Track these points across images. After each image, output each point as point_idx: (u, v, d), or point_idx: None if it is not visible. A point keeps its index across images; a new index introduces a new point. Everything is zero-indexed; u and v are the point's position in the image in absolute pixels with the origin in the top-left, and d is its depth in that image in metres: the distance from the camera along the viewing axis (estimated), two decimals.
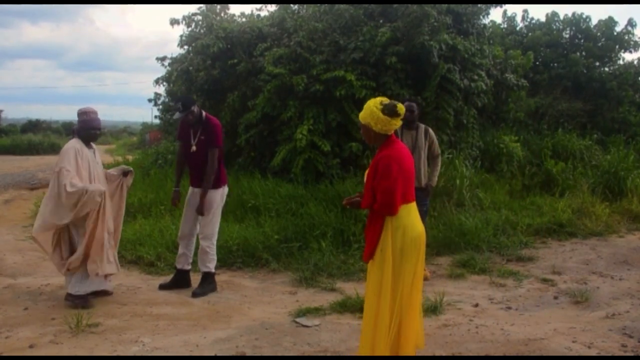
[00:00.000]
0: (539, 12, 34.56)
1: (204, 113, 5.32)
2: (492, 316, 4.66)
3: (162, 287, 5.49)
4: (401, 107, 3.30)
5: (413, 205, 3.44)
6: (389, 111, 3.26)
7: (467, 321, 4.51)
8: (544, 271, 6.06)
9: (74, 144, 4.96)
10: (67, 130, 35.57)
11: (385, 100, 3.34)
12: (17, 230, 8.35)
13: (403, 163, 3.32)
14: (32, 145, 29.70)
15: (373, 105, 3.30)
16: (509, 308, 4.89)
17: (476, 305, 4.94)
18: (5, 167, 19.13)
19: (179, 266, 5.50)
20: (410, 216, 3.38)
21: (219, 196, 5.31)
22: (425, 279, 5.72)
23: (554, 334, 4.20)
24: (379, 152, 3.35)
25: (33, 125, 50.20)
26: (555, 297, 5.17)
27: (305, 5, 10.71)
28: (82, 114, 5.05)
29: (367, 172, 3.44)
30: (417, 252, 3.35)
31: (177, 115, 5.26)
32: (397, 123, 3.32)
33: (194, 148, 5.26)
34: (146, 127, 35.32)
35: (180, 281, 5.47)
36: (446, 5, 9.49)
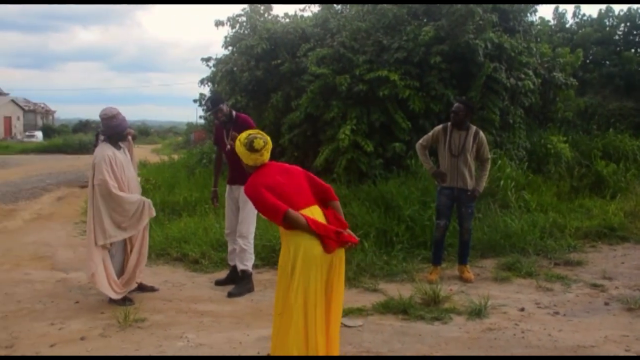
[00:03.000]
0: (591, 9, 33.34)
1: (233, 112, 5.50)
2: (539, 321, 4.54)
3: (218, 283, 5.60)
4: (258, 143, 3.34)
5: (306, 213, 3.23)
6: (247, 146, 3.35)
7: (513, 325, 4.41)
8: (594, 276, 5.85)
9: (106, 151, 4.81)
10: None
11: (253, 133, 3.41)
12: (69, 226, 8.66)
13: (267, 181, 3.28)
14: (82, 144, 30.76)
15: (239, 140, 3.41)
16: (557, 313, 4.75)
17: (522, 309, 4.82)
18: (58, 165, 19.89)
19: (231, 263, 5.59)
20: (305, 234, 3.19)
21: None
22: (469, 281, 5.66)
23: (605, 342, 4.06)
24: None
25: (83, 125, 52.04)
26: (606, 303, 4.99)
27: (348, 5, 10.71)
28: (110, 118, 4.83)
29: None
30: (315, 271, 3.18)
31: (207, 112, 5.38)
32: (257, 157, 3.37)
33: (228, 146, 5.37)
34: (191, 127, 36.00)
35: (235, 277, 5.51)
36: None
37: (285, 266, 3.22)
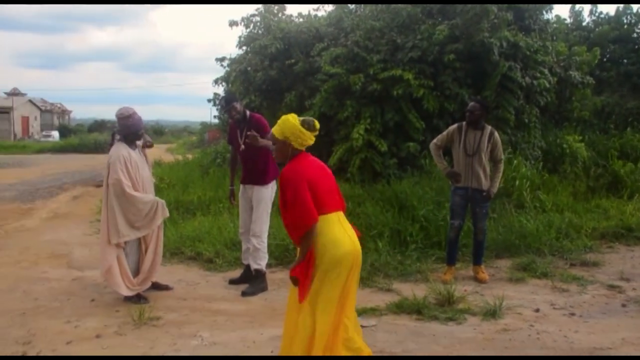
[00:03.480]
0: (608, 6, 32.60)
1: (247, 112, 5.50)
2: (554, 322, 4.50)
3: (232, 282, 5.61)
4: (317, 123, 3.34)
5: (334, 217, 3.25)
6: (308, 125, 3.29)
7: (528, 326, 4.38)
8: (611, 277, 5.79)
9: (121, 151, 4.86)
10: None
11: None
12: (84, 225, 8.74)
13: (309, 174, 3.21)
14: (98, 144, 31.02)
15: (292, 119, 3.31)
16: (573, 314, 4.70)
17: (537, 310, 4.78)
18: (73, 165, 20.11)
19: (245, 262, 5.60)
20: (333, 231, 3.20)
21: (269, 192, 5.36)
22: (484, 281, 5.62)
23: (622, 344, 4.01)
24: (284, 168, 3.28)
25: (99, 125, 52.58)
26: (624, 305, 4.93)
27: (362, 5, 10.70)
28: (126, 117, 4.88)
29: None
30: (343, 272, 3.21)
31: (221, 111, 5.37)
32: (313, 137, 3.32)
33: (242, 147, 5.38)
34: (205, 126, 36.21)
35: (249, 276, 5.52)
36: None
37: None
